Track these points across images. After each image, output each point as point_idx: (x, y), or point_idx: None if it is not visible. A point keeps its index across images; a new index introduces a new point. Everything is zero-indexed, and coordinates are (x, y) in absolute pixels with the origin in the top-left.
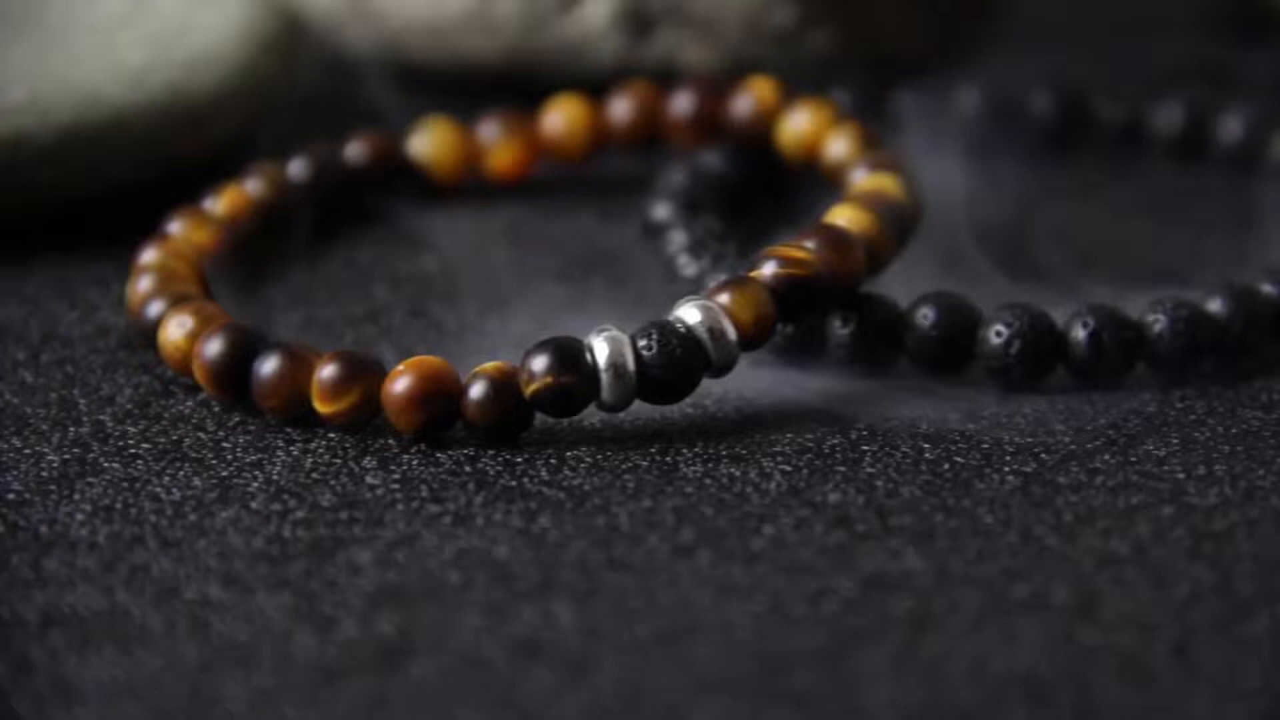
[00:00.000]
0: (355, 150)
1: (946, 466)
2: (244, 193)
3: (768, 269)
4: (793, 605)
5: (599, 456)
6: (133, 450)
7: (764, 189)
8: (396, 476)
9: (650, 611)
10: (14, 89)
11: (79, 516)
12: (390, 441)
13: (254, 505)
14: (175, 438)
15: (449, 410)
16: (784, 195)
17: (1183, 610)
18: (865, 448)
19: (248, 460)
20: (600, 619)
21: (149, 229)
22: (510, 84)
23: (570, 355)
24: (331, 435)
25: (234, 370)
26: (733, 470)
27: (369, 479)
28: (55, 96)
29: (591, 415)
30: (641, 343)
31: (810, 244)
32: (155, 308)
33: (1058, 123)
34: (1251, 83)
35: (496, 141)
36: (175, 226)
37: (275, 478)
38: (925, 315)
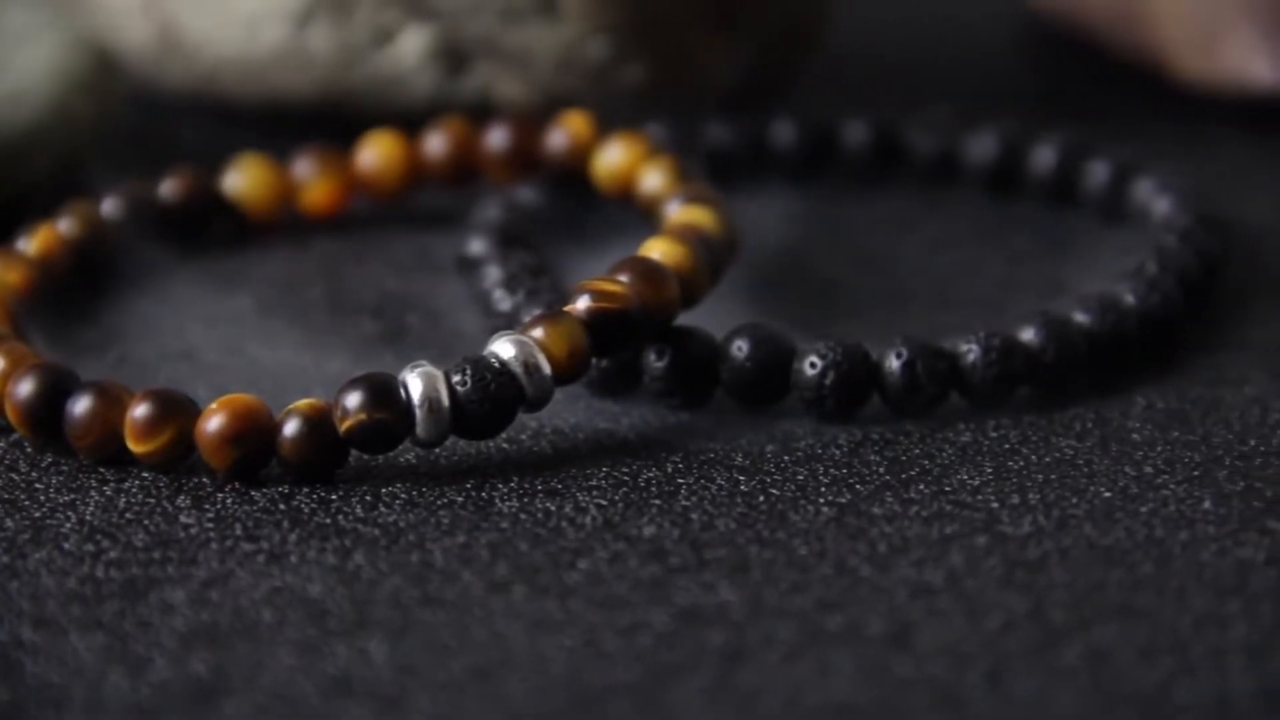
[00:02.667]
0: (169, 188)
1: (762, 498)
2: (56, 232)
3: (581, 303)
4: (606, 639)
5: (414, 493)
6: None
7: (580, 223)
8: (210, 515)
9: (464, 648)
10: None
11: None
12: (204, 480)
13: (67, 546)
14: None
15: (263, 448)
16: (600, 229)
17: (996, 639)
18: (681, 480)
19: (60, 501)
20: (414, 656)
21: None
22: (325, 120)
23: (384, 391)
24: (145, 474)
25: (46, 410)
26: (548, 505)
27: (183, 518)
28: None
29: (407, 451)
30: (456, 378)
31: (624, 277)
32: None
33: (871, 154)
34: (1069, 114)
35: (311, 178)
36: None
37: (88, 518)
38: (740, 347)
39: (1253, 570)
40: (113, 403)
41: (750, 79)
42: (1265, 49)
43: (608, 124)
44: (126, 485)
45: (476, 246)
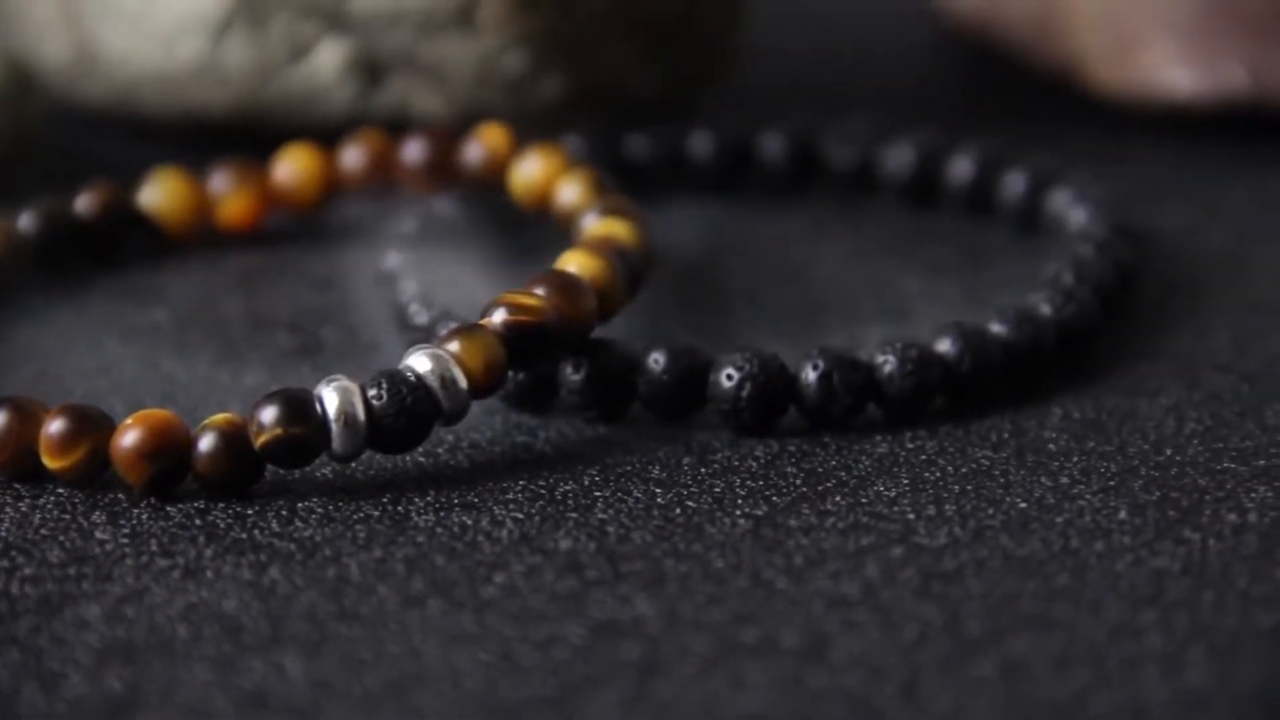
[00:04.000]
0: (85, 202)
1: (678, 511)
2: None
3: (498, 316)
4: (522, 653)
5: (330, 507)
6: None
7: (499, 235)
8: (126, 531)
9: (379, 662)
10: None
11: None
12: (120, 496)
13: None
14: None
15: (178, 463)
16: (519, 241)
17: (911, 651)
18: (598, 494)
19: None
20: (329, 670)
21: None
22: (243, 134)
23: (299, 406)
24: (60, 490)
25: None
26: (465, 518)
27: (98, 534)
28: None
29: (323, 466)
30: (372, 392)
31: (540, 290)
32: None
33: (789, 166)
34: (986, 125)
35: (227, 192)
36: None
37: (3, 534)
38: (657, 360)
39: (1168, 580)
40: (28, 419)
41: (668, 91)
42: (1182, 59)
43: (526, 137)
44: (42, 501)
45: (393, 260)
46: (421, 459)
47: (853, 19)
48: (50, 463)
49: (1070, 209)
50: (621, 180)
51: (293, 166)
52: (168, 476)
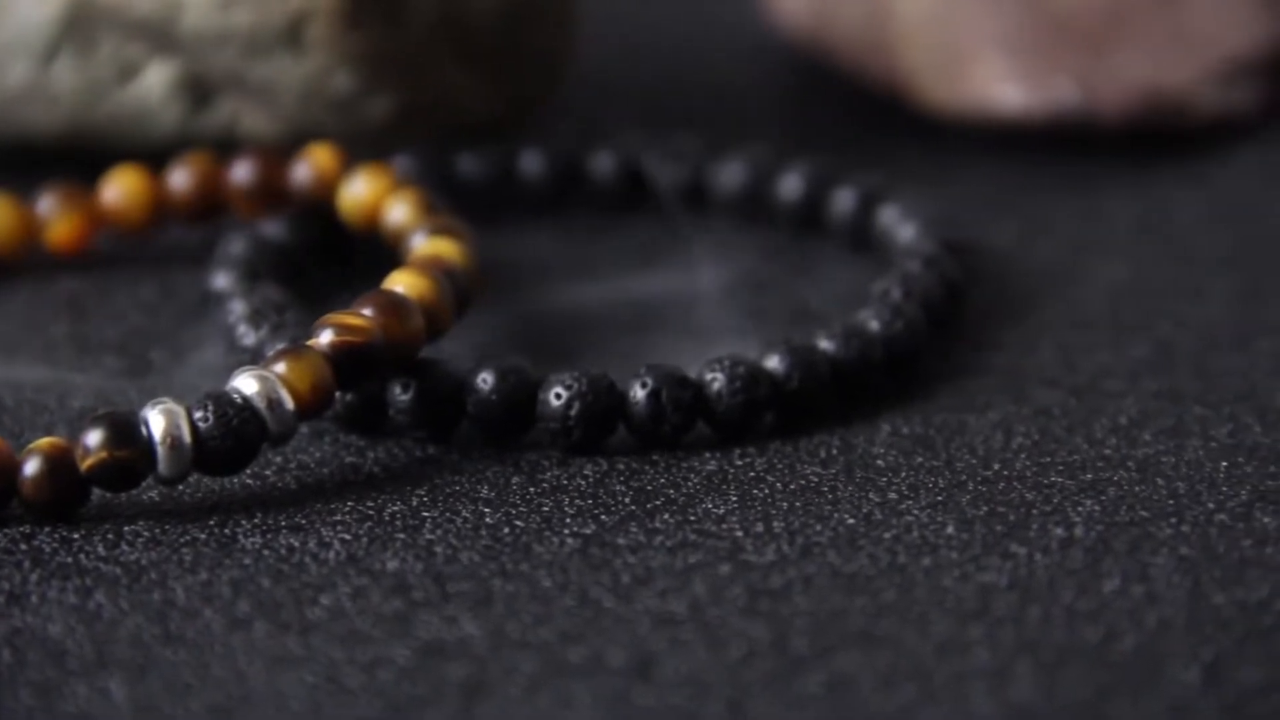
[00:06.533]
0: None
1: (507, 530)
2: None
3: (324, 337)
4: (348, 675)
5: (157, 530)
6: None
7: (328, 256)
8: None
9: (204, 686)
10: None
11: None
12: None
13: None
14: None
15: (3, 488)
16: (349, 262)
17: (738, 668)
18: (426, 514)
19: None
20: (154, 695)
21: None
22: (72, 155)
23: (125, 429)
24: None
25: None
26: (292, 540)
27: None
28: None
29: (150, 489)
30: (198, 414)
31: (367, 311)
32: None
33: (619, 184)
34: (817, 142)
35: (55, 214)
36: None
37: None
38: (485, 380)
39: (995, 595)
40: None
41: (500, 111)
42: (1012, 75)
43: (357, 157)
44: None
45: (221, 281)
46: (249, 481)
47: (688, 34)
48: None
49: (899, 225)
50: (452, 200)
51: (120, 188)
52: None
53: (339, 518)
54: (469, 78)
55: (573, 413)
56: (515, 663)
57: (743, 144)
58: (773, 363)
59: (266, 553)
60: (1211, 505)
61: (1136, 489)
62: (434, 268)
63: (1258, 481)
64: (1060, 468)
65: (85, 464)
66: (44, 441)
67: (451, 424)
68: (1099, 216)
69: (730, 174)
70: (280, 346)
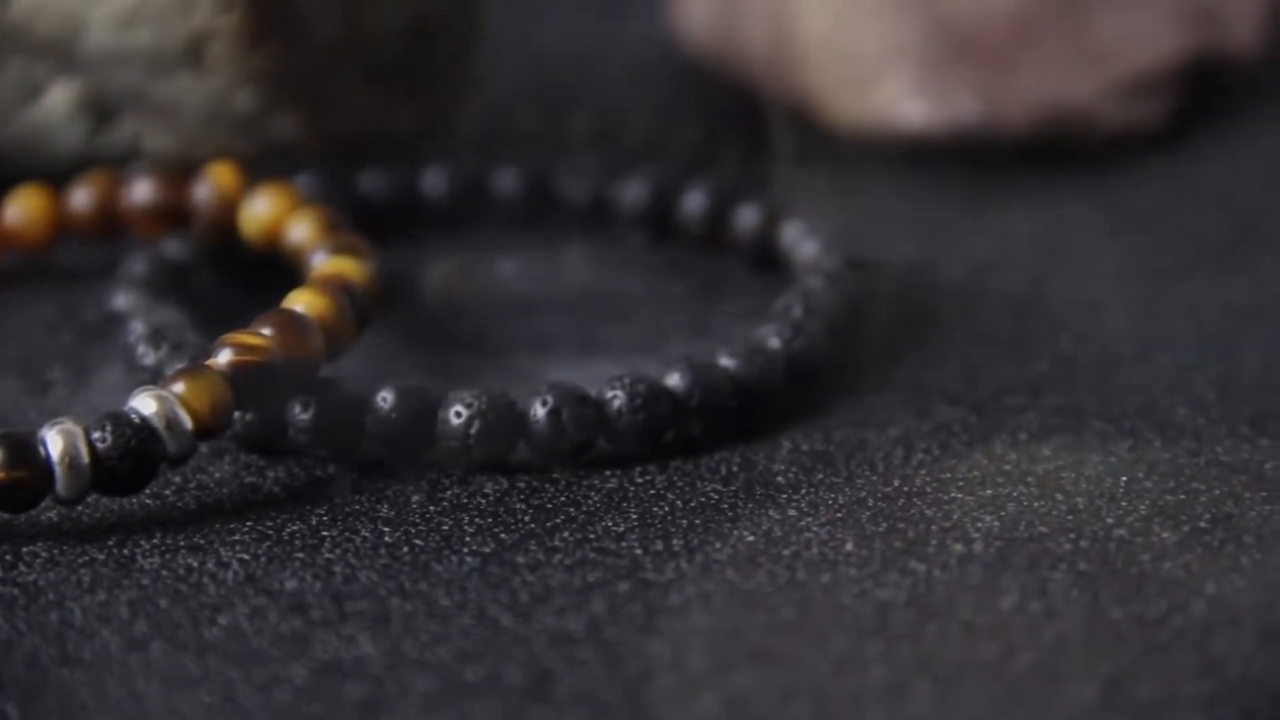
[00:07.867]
0: None
1: (406, 549)
2: None
3: (223, 356)
4: (244, 695)
5: (55, 551)
6: None
7: (229, 275)
8: None
9: (101, 707)
10: None
11: None
12: None
13: None
14: None
15: None
16: (251, 281)
17: (635, 687)
18: (325, 533)
19: None
20: (50, 716)
21: None
22: None
23: (22, 449)
24: None
25: None
26: (191, 560)
27: None
28: None
29: (48, 509)
30: (96, 434)
31: (266, 330)
32: None
33: (523, 201)
34: (723, 158)
35: None
36: None
37: None
38: (385, 398)
39: (893, 611)
40: None
41: (404, 129)
42: (915, 91)
43: (261, 176)
44: None
45: (122, 300)
46: (149, 501)
47: (595, 49)
48: None
49: (801, 242)
50: (355, 218)
51: (21, 208)
52: None
53: (238, 537)
54: (373, 95)
55: (473, 431)
56: (412, 682)
57: (647, 160)
58: (674, 380)
59: (165, 573)
60: (1110, 520)
61: (1036, 504)
62: (334, 286)
63: (1156, 496)
64: (960, 483)
65: None
66: None
67: (351, 443)
68: (1002, 232)
69: (634, 192)
70: (179, 366)
